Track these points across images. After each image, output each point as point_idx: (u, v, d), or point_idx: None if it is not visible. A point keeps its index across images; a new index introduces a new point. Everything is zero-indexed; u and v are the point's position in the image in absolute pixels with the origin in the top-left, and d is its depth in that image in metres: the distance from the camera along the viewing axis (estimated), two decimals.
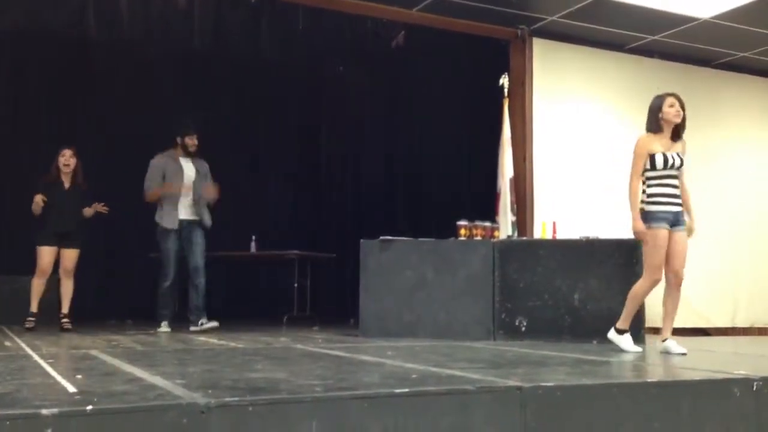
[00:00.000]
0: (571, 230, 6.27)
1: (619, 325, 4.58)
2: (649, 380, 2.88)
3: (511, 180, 6.70)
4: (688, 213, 4.55)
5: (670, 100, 4.49)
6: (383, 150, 9.42)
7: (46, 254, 6.12)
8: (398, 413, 2.28)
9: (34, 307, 6.15)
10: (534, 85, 7.26)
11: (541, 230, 6.52)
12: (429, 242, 5.71)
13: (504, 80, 6.82)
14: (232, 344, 4.70)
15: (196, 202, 6.38)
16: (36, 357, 3.62)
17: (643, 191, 4.47)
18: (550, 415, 2.49)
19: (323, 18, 7.61)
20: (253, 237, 8.17)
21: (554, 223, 6.33)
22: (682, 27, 7.15)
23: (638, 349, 4.49)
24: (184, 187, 6.32)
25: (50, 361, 3.39)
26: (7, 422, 1.83)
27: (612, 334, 4.60)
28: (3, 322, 6.75)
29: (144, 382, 2.55)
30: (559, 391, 2.54)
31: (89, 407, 1.95)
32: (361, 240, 5.78)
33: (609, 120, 7.48)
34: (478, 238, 5.88)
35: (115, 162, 8.41)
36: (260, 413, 2.11)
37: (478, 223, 5.98)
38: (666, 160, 4.40)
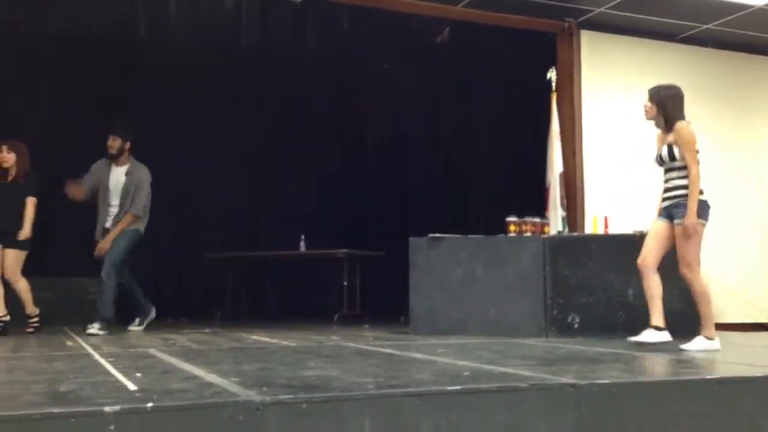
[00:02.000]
0: (623, 224, 6.17)
1: (706, 333, 4.23)
2: (707, 377, 2.82)
3: (560, 174, 6.62)
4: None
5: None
6: (429, 147, 9.40)
7: None
8: (451, 411, 2.28)
9: None
10: (582, 78, 7.17)
11: (592, 225, 6.43)
12: (478, 239, 5.69)
13: (552, 74, 6.74)
14: (285, 342, 4.76)
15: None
16: (97, 356, 3.73)
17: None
18: (605, 413, 2.45)
19: (368, 16, 7.64)
20: (302, 236, 8.26)
21: (606, 218, 6.23)
22: (735, 15, 6.96)
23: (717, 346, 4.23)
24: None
25: (110, 359, 3.48)
26: (72, 419, 1.89)
27: (700, 344, 4.20)
28: (64, 322, 6.97)
29: (201, 380, 2.60)
30: (615, 388, 2.50)
31: (149, 404, 2.00)
32: (410, 238, 5.78)
33: None
34: (528, 234, 5.83)
35: (163, 162, 8.59)
36: (314, 411, 2.13)
37: (528, 218, 5.93)
38: (655, 158, 4.43)
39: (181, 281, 8.59)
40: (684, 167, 4.27)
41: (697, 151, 4.31)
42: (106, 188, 6.02)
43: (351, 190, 9.73)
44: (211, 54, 8.57)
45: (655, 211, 4.52)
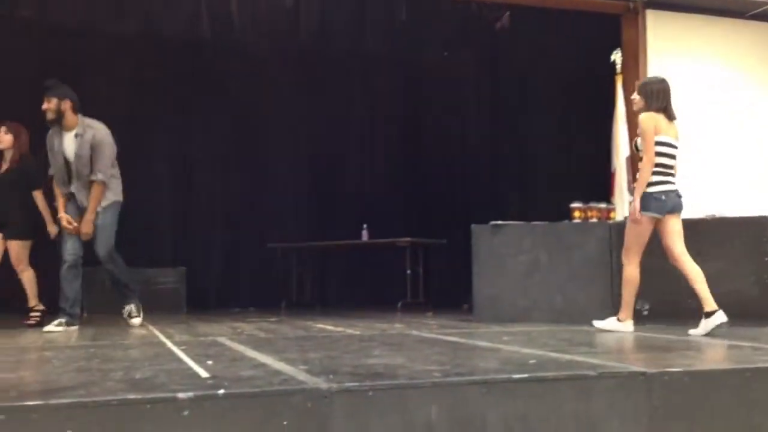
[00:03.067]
0: (692, 208, 5.98)
1: (621, 315, 4.58)
2: None
3: (627, 159, 6.46)
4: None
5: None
6: (490, 133, 9.31)
7: None
8: (517, 399, 2.26)
9: None
10: (648, 59, 6.97)
11: None
12: (542, 225, 5.61)
13: (616, 56, 6.57)
14: (349, 331, 4.80)
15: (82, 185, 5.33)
16: (169, 344, 3.85)
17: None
18: (677, 402, 2.40)
19: (426, 5, 7.61)
20: (364, 225, 8.31)
21: None
22: None
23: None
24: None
25: (182, 347, 3.58)
26: (148, 405, 1.96)
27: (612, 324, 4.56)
28: None
29: (269, 368, 2.66)
30: (687, 376, 2.44)
31: (221, 391, 2.05)
32: (472, 225, 5.75)
33: (732, 90, 7.07)
34: (594, 219, 5.72)
35: (231, 156, 8.80)
36: (380, 398, 2.16)
37: (593, 204, 5.82)
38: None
39: (247, 271, 8.77)
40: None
41: (664, 144, 4.34)
42: (65, 159, 5.22)
43: (413, 179, 9.72)
44: (272, 49, 8.67)
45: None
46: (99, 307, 7.25)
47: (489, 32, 8.34)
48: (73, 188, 5.25)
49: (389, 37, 8.17)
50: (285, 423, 2.03)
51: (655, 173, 4.32)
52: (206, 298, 8.41)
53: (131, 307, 5.50)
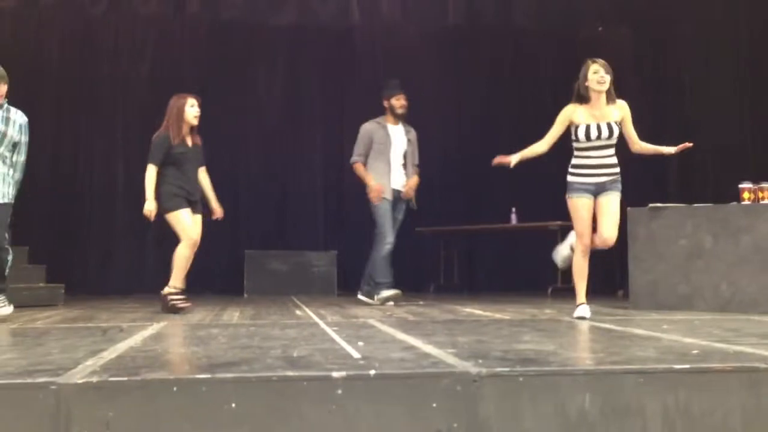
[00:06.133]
0: None
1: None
2: None
3: None
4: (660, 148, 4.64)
5: (594, 67, 4.37)
6: (649, 110, 8.82)
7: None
8: (679, 390, 2.15)
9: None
10: None
11: None
12: (705, 208, 5.27)
13: None
14: (498, 315, 4.77)
15: (407, 174, 6.05)
16: (323, 325, 4.00)
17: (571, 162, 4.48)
18: None
19: None
20: (513, 209, 8.18)
21: None
22: None
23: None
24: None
25: (335, 328, 3.71)
26: (305, 383, 2.05)
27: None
28: (291, 293, 7.56)
29: (418, 350, 2.69)
30: None
31: (372, 372, 2.11)
32: (629, 208, 5.49)
33: None
34: (765, 201, 5.29)
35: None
36: (531, 384, 2.12)
37: (765, 184, 5.37)
38: (588, 132, 4.37)
39: (396, 255, 8.90)
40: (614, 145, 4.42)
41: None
42: (388, 151, 5.92)
43: (564, 160, 9.41)
44: (420, 33, 8.72)
45: (574, 186, 4.51)
46: (258, 288, 7.69)
47: (647, 5, 7.90)
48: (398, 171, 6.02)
49: (541, 12, 7.97)
50: (434, 405, 2.05)
51: None
52: (356, 281, 8.65)
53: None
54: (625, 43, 8.79)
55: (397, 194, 6.03)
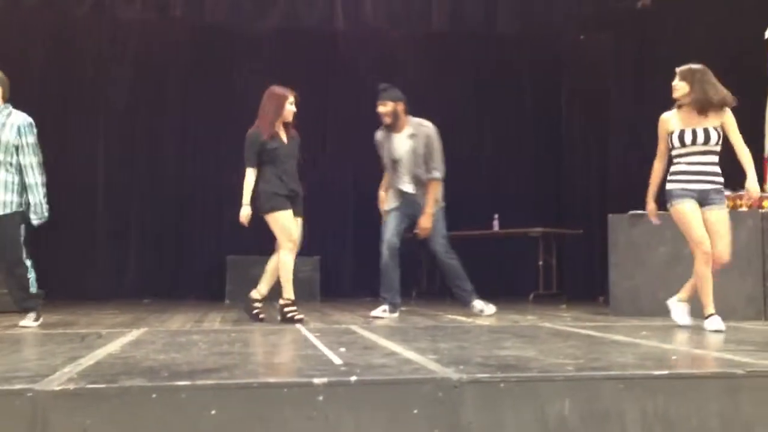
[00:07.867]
0: None
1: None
2: None
3: None
4: (746, 174, 4.30)
5: (675, 77, 4.35)
6: (629, 119, 8.90)
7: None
8: (657, 396, 2.16)
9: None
10: None
11: None
12: None
13: None
14: (479, 322, 4.78)
15: (414, 181, 5.54)
16: (304, 331, 3.99)
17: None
18: None
19: None
20: (495, 215, 8.21)
21: None
22: None
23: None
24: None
25: (316, 335, 3.70)
26: (285, 389, 2.05)
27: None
28: (274, 298, 7.51)
29: (400, 357, 2.69)
30: None
31: (353, 378, 2.11)
32: (609, 215, 5.54)
33: None
34: (744, 209, 5.35)
35: (363, 148, 8.92)
36: (512, 390, 2.13)
37: (742, 192, 5.42)
38: (682, 137, 4.25)
39: (378, 260, 8.91)
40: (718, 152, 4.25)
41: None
42: (388, 159, 5.53)
43: (546, 166, 9.49)
44: (404, 39, 8.74)
45: (674, 192, 4.33)
46: (240, 294, 7.61)
47: (629, 13, 7.97)
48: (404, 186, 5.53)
49: (523, 19, 8.02)
50: (415, 411, 2.06)
51: None
52: (339, 286, 8.65)
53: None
54: (606, 50, 8.86)
55: (405, 198, 5.62)
